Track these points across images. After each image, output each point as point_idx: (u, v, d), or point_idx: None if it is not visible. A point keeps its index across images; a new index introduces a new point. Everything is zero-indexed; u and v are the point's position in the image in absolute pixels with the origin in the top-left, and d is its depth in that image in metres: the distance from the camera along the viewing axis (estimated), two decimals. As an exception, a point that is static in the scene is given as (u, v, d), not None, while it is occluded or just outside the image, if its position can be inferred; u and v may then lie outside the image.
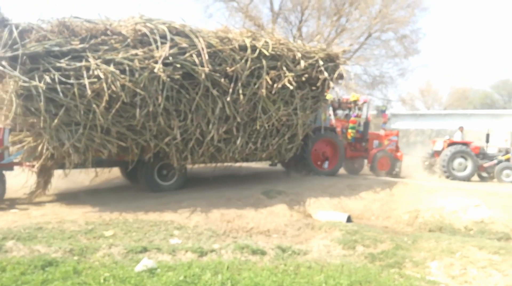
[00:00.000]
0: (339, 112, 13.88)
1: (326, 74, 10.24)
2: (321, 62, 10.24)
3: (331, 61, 10.63)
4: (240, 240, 6.42)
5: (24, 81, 7.07)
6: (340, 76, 10.97)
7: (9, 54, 7.18)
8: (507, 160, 13.88)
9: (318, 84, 10.34)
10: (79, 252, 4.99)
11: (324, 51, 10.65)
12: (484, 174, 14.27)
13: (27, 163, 8.08)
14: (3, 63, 7.12)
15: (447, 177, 13.49)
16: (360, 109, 13.74)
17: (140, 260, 4.76)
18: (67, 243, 5.31)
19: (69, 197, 8.69)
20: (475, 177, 14.29)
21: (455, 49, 76.43)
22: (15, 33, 7.28)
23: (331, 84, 10.75)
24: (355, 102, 13.51)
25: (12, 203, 8.10)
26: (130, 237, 5.90)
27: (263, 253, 5.69)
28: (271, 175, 11.33)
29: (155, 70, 7.90)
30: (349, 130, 13.29)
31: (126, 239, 5.76)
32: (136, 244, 5.40)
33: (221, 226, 7.11)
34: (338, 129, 13.00)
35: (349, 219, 8.30)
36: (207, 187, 9.62)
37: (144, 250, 5.25)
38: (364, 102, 13.88)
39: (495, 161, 13.98)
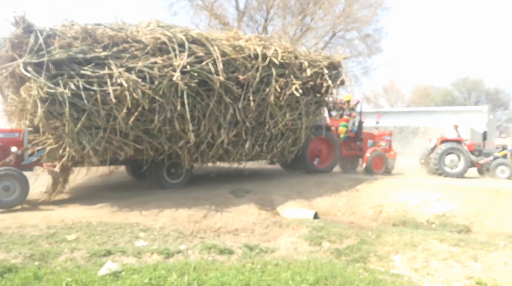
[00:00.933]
0: (333, 112, 14.20)
1: (330, 81, 10.79)
2: (325, 70, 10.81)
3: (334, 68, 11.21)
4: (207, 240, 6.40)
5: (50, 87, 7.29)
6: (342, 83, 11.57)
7: (34, 60, 7.36)
8: (504, 156, 14.09)
9: (322, 91, 10.91)
10: (40, 257, 4.84)
11: (328, 59, 11.20)
12: (481, 171, 14.41)
13: (47, 164, 8.29)
14: (29, 69, 7.28)
15: (440, 174, 13.64)
16: (353, 109, 13.91)
17: (103, 263, 4.66)
18: (27, 248, 5.15)
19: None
20: (475, 174, 14.49)
21: (416, 47, 78.84)
22: (41, 40, 7.49)
23: (334, 91, 11.34)
24: (348, 102, 13.73)
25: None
26: (93, 240, 5.76)
27: (230, 252, 5.68)
28: (239, 174, 11.32)
29: (174, 79, 8.24)
30: (340, 128, 13.43)
31: (89, 243, 5.63)
32: (99, 248, 5.29)
33: (188, 226, 7.04)
34: (333, 129, 13.22)
35: (316, 216, 8.41)
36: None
37: (108, 253, 5.14)
38: (357, 103, 14.17)
39: (491, 158, 14.17)
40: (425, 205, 8.65)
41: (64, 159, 7.75)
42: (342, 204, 9.53)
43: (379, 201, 9.22)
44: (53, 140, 7.85)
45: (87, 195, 9.20)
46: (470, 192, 9.25)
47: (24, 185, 7.78)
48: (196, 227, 7.12)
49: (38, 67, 7.38)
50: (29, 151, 8.19)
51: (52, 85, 7.34)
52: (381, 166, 13.60)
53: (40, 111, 7.29)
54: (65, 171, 8.52)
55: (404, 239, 6.48)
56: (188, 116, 8.50)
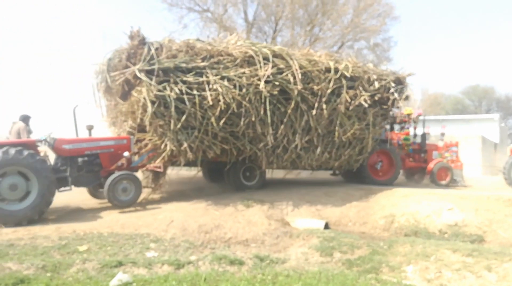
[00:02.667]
0: (396, 126, 14.44)
1: (396, 95, 11.50)
2: (392, 84, 11.50)
3: (400, 83, 11.85)
4: (218, 251, 6.40)
5: (158, 91, 8.66)
6: (406, 97, 12.20)
7: (147, 67, 8.74)
8: None
9: (389, 103, 11.58)
10: (52, 268, 4.88)
11: (394, 74, 11.90)
12: None
13: (152, 165, 9.49)
14: (142, 74, 8.64)
15: (509, 184, 13.40)
16: (415, 122, 14.21)
17: (115, 274, 4.69)
18: (39, 259, 5.18)
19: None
20: None
21: (426, 56, 78.50)
22: (152, 51, 8.89)
23: (400, 104, 11.99)
24: (409, 115, 13.97)
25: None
26: (105, 251, 5.78)
27: (241, 263, 5.67)
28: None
29: (260, 87, 9.41)
30: (403, 142, 13.94)
31: (100, 254, 5.65)
32: (111, 259, 5.31)
33: (198, 237, 7.04)
34: (394, 142, 13.54)
35: (326, 226, 8.37)
36: (184, 198, 9.54)
37: (119, 264, 5.16)
38: (419, 115, 14.35)
39: None
40: (437, 215, 8.54)
41: (165, 154, 8.92)
42: (353, 214, 9.46)
43: (390, 211, 9.13)
44: (157, 137, 9.08)
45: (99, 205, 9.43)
46: (482, 201, 9.11)
47: (138, 186, 8.78)
48: (207, 238, 7.11)
49: (149, 73, 8.73)
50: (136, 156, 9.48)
51: (160, 89, 8.69)
52: (445, 177, 13.60)
53: (149, 111, 8.56)
54: (163, 171, 9.70)
55: (416, 250, 6.41)
56: (269, 120, 9.64)
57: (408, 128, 14.32)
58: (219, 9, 22.57)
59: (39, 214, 7.57)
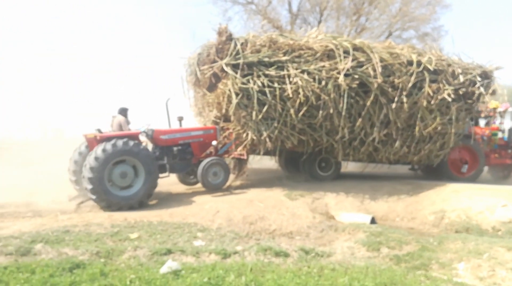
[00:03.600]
0: (481, 120, 13.89)
1: (482, 89, 11.12)
2: (478, 78, 11.18)
3: (487, 77, 11.47)
4: (263, 242, 6.42)
5: (243, 83, 9.28)
6: (494, 92, 11.66)
7: (233, 61, 9.40)
8: None
9: (474, 98, 11.20)
10: (106, 255, 5.09)
11: (480, 67, 11.51)
12: None
13: (236, 153, 10.29)
14: (228, 68, 9.32)
15: None
16: (502, 116, 13.60)
17: (164, 262, 4.82)
18: (93, 245, 5.42)
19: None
20: None
21: (479, 45, 74.58)
22: (238, 46, 9.52)
23: (486, 99, 11.49)
24: (494, 109, 13.45)
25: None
26: (154, 239, 5.96)
27: (286, 255, 5.68)
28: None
29: (339, 80, 9.61)
30: (492, 137, 13.23)
31: (151, 242, 5.83)
32: (160, 246, 5.46)
33: (243, 228, 7.11)
34: (478, 137, 12.97)
35: (373, 221, 8.22)
36: (228, 190, 9.68)
37: (169, 252, 5.31)
38: (506, 109, 13.69)
39: None
40: (490, 211, 8.15)
41: (246, 142, 9.67)
42: (401, 209, 9.23)
43: (440, 206, 8.82)
44: (239, 126, 9.77)
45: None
46: (540, 198, 8.61)
47: (227, 170, 9.78)
48: (251, 229, 7.18)
49: (234, 67, 9.39)
50: (220, 145, 10.33)
51: (244, 81, 9.28)
52: None
53: (233, 102, 9.24)
54: (245, 159, 10.55)
55: (468, 247, 6.17)
56: (346, 113, 9.83)
57: (494, 122, 13.54)
58: (263, 1, 22.46)
59: (147, 198, 8.44)
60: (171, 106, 10.17)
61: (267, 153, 10.89)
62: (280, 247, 6.04)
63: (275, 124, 9.51)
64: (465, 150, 12.29)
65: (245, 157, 10.36)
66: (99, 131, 8.73)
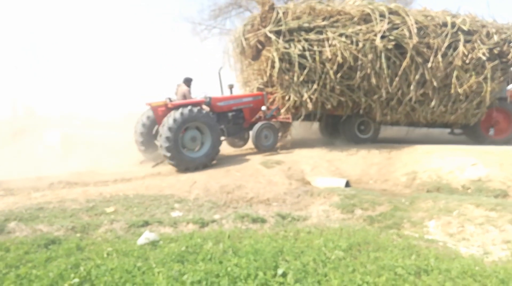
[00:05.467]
0: None
1: None
2: None
3: None
4: (240, 210, 6.50)
5: (285, 48, 10.10)
6: None
7: (275, 28, 10.24)
8: None
9: (509, 57, 11.50)
10: (81, 229, 5.07)
11: None
12: None
13: (281, 117, 11.04)
14: (272, 34, 10.19)
15: None
16: None
17: (142, 234, 4.83)
18: (68, 221, 5.38)
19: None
20: None
21: None
22: (280, 14, 10.35)
23: None
24: None
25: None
26: (131, 212, 5.96)
27: (263, 221, 5.77)
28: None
29: (375, 42, 10.24)
30: None
31: (127, 215, 5.82)
32: (137, 219, 5.47)
33: (221, 197, 7.16)
34: None
35: (347, 184, 8.39)
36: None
37: (146, 224, 5.32)
38: None
39: None
40: (460, 171, 8.43)
41: (288, 104, 10.46)
42: (374, 171, 9.43)
43: (412, 167, 9.06)
44: (282, 90, 10.50)
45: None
46: (507, 156, 8.90)
47: (276, 133, 10.66)
48: (229, 198, 7.23)
49: (277, 34, 10.21)
50: (268, 110, 11.02)
51: (286, 46, 10.11)
52: None
53: (276, 67, 10.10)
54: (286, 125, 11.33)
55: (438, 205, 6.38)
56: (384, 73, 10.42)
57: None
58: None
59: (211, 161, 9.32)
60: (223, 76, 11.13)
61: (307, 118, 11.41)
62: (258, 213, 6.13)
63: (315, 86, 10.28)
64: (500, 112, 12.37)
65: (290, 120, 11.02)
66: (170, 99, 9.58)
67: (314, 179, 8.76)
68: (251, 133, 10.50)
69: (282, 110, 10.72)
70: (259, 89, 11.55)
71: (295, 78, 10.18)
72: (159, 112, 9.48)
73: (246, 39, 11.20)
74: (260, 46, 10.89)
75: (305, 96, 10.28)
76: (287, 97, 10.47)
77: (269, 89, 11.12)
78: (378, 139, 12.39)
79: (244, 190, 7.61)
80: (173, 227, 5.29)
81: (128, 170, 9.26)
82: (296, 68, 10.13)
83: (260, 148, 10.33)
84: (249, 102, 11.02)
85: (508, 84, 12.47)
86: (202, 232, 5.10)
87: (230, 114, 10.66)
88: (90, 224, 5.26)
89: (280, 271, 3.77)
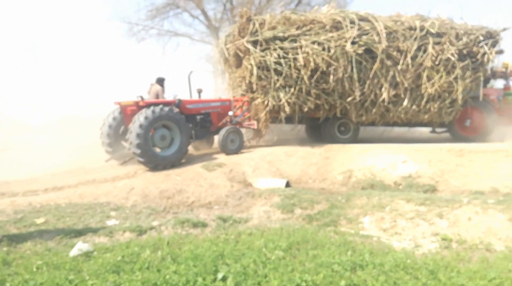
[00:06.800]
0: (496, 81, 14.18)
1: (486, 48, 12.00)
2: (481, 38, 12.09)
3: (491, 37, 12.28)
4: (181, 215, 6.40)
5: (261, 56, 10.84)
6: (500, 51, 12.53)
7: (252, 39, 11.03)
8: None
9: (478, 56, 12.03)
10: (8, 243, 4.72)
11: (484, 28, 12.33)
12: None
13: (246, 124, 11.66)
14: (249, 44, 10.96)
15: None
16: None
17: (74, 245, 4.60)
18: (-7, 235, 5.00)
19: None
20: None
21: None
22: (257, 25, 11.12)
23: (490, 57, 12.16)
24: (506, 69, 13.62)
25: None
26: (63, 222, 5.65)
27: (204, 225, 5.71)
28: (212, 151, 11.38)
29: (346, 48, 10.98)
30: (506, 97, 13.42)
31: (59, 225, 5.52)
32: (70, 229, 5.20)
33: (160, 203, 7.01)
34: (494, 97, 13.32)
35: (287, 184, 8.55)
36: (142, 167, 9.42)
37: (79, 234, 5.07)
38: None
39: None
40: (392, 168, 8.87)
41: (267, 109, 11.11)
42: (313, 171, 9.67)
43: (348, 166, 9.40)
44: (262, 95, 11.14)
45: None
46: (435, 152, 9.51)
47: (242, 138, 10.92)
48: (169, 203, 7.11)
49: (254, 43, 10.99)
50: (234, 115, 11.43)
51: (263, 55, 10.84)
52: None
53: (254, 74, 10.80)
54: (264, 125, 11.57)
55: (372, 201, 6.67)
56: (355, 77, 11.13)
57: (508, 83, 13.78)
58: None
59: (180, 160, 9.46)
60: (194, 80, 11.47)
61: (289, 121, 11.95)
62: (199, 218, 6.07)
63: (292, 91, 10.95)
64: (473, 111, 12.79)
65: (255, 127, 11.53)
66: (142, 98, 9.44)
67: (256, 180, 8.83)
68: (217, 137, 10.77)
69: (262, 114, 11.17)
70: (242, 95, 11.96)
71: (272, 84, 10.85)
72: (128, 112, 9.49)
73: (227, 49, 11.92)
74: (241, 55, 11.43)
75: (283, 100, 10.92)
76: (265, 102, 11.11)
77: (251, 95, 11.56)
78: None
79: (185, 195, 7.51)
80: (109, 236, 5.08)
81: (60, 178, 8.79)
82: (273, 74, 10.80)
83: (227, 152, 10.52)
84: (217, 107, 11.33)
85: (482, 84, 13.09)
86: (139, 240, 4.95)
87: (198, 117, 10.90)
88: (18, 236, 4.93)
89: (220, 275, 3.75)
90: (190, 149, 10.94)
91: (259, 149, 10.95)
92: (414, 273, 4.01)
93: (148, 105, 9.14)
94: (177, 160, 9.35)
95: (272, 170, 9.50)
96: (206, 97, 11.77)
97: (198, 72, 13.20)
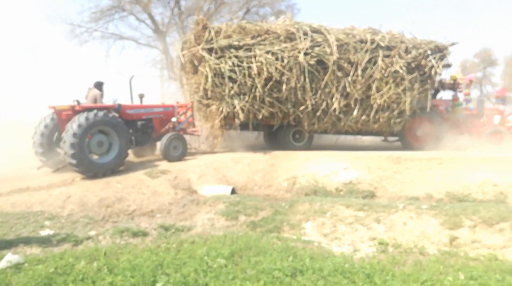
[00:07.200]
0: (447, 92, 14.77)
1: (433, 61, 12.58)
2: (429, 52, 12.64)
3: (439, 51, 12.89)
4: (120, 224, 6.20)
5: (216, 64, 11.03)
6: (447, 65, 13.26)
7: (208, 46, 11.21)
8: None
9: (426, 69, 12.63)
10: None
11: (433, 43, 12.94)
12: None
13: (190, 130, 11.50)
14: (204, 52, 11.12)
15: None
16: (468, 87, 14.49)
17: (3, 256, 4.31)
18: None
19: None
20: None
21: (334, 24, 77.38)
22: (212, 33, 11.34)
23: (438, 70, 12.79)
24: (454, 81, 14.28)
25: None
26: (-8, 233, 5.29)
27: (144, 234, 5.58)
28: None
29: (299, 59, 11.34)
30: (455, 108, 14.10)
31: (-14, 236, 5.16)
32: (-1, 240, 4.88)
33: (99, 212, 6.75)
34: (443, 108, 14.02)
35: (233, 191, 8.53)
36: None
37: (9, 245, 4.79)
38: (470, 81, 14.60)
39: None
40: (334, 174, 9.12)
41: (222, 116, 11.29)
42: (259, 178, 9.71)
43: (293, 173, 9.54)
44: (217, 102, 11.30)
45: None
46: (375, 160, 9.89)
47: (185, 144, 10.63)
48: (108, 212, 6.86)
49: (209, 51, 11.19)
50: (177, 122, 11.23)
51: (218, 62, 11.03)
52: (499, 141, 13.83)
53: (209, 81, 10.99)
54: (219, 131, 11.71)
55: (314, 207, 6.81)
56: (307, 87, 11.53)
57: (456, 94, 14.51)
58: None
59: (119, 166, 9.14)
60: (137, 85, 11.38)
61: (245, 128, 12.28)
62: (139, 227, 5.92)
63: (246, 98, 11.20)
64: (424, 121, 13.32)
65: (199, 134, 11.61)
66: (78, 102, 9.04)
67: (201, 187, 8.74)
68: (159, 143, 10.52)
69: (217, 121, 11.32)
70: (199, 101, 12.02)
71: (227, 91, 11.07)
72: (63, 116, 8.97)
73: (183, 55, 11.98)
74: (196, 65, 11.58)
75: (237, 107, 11.16)
76: (220, 109, 11.27)
77: (206, 101, 11.70)
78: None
79: (125, 203, 7.28)
80: (42, 247, 4.82)
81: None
82: (227, 82, 11.03)
83: (169, 159, 10.23)
84: (159, 113, 11.08)
85: (432, 95, 13.86)
86: (74, 250, 4.72)
87: (139, 122, 10.51)
88: None
89: None
90: (131, 156, 10.74)
91: (205, 156, 10.87)
92: (352, 277, 4.13)
93: (82, 111, 8.75)
94: (116, 166, 9.02)
95: (218, 177, 9.45)
96: (149, 103, 11.54)
97: (144, 76, 13.08)
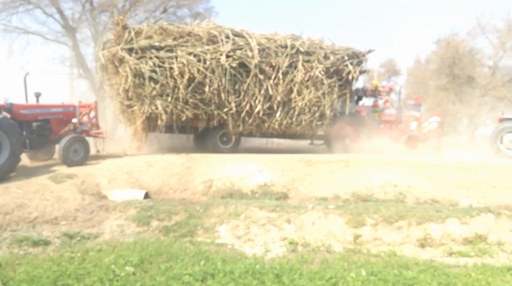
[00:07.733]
0: (369, 99, 15.57)
1: (350, 67, 13.27)
2: (346, 57, 13.31)
3: (356, 57, 13.56)
4: (19, 232, 5.73)
5: (136, 64, 10.98)
6: (363, 71, 13.90)
7: (128, 46, 11.15)
8: None
9: (343, 74, 13.31)
10: None
11: (350, 49, 13.56)
12: None
13: (93, 132, 10.94)
14: (123, 52, 11.02)
15: (496, 153, 13.31)
16: (388, 94, 15.39)
17: None
18: None
19: None
20: None
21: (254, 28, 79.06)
22: (132, 34, 11.27)
23: (354, 76, 13.42)
24: (376, 89, 15.06)
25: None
26: None
27: (46, 243, 5.22)
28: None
29: (221, 61, 11.60)
30: (372, 114, 14.98)
31: None
32: None
33: (-5, 220, 6.17)
34: (364, 114, 14.89)
35: (146, 196, 8.28)
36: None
37: None
38: (391, 89, 15.61)
39: None
40: (250, 177, 9.25)
41: (144, 117, 11.25)
42: (174, 181, 9.53)
43: (209, 176, 9.50)
44: (139, 103, 11.25)
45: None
46: (288, 162, 10.20)
47: (87, 148, 10.03)
48: (6, 219, 6.28)
49: (129, 51, 11.14)
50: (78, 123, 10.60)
51: (138, 62, 11.02)
52: (414, 146, 14.45)
53: (129, 81, 10.94)
54: (143, 133, 11.64)
55: (229, 210, 6.85)
56: (230, 89, 11.82)
57: (376, 101, 15.24)
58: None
59: (9, 172, 8.25)
60: (33, 83, 10.38)
61: (169, 130, 12.29)
62: (40, 235, 5.53)
63: (169, 99, 11.24)
64: (348, 125, 14.05)
65: (103, 136, 11.06)
66: None
67: (111, 192, 8.37)
68: (57, 146, 9.73)
69: (138, 122, 11.19)
70: (120, 102, 11.79)
71: (148, 92, 11.06)
72: None
73: (103, 55, 11.69)
74: (117, 65, 11.36)
75: (160, 108, 11.15)
76: (142, 109, 11.19)
77: (127, 103, 11.52)
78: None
79: (26, 210, 6.72)
80: None
81: None
82: (148, 82, 11.02)
83: (68, 163, 9.53)
84: (58, 113, 10.31)
85: (355, 101, 15.00)
86: (-38, 264, 4.27)
87: (34, 124, 9.69)
88: None
89: (58, 298, 3.44)
90: (25, 160, 9.99)
91: (117, 159, 10.43)
92: (262, 278, 4.22)
93: None
94: (7, 172, 8.17)
95: (130, 181, 9.12)
96: (48, 102, 10.64)
97: (51, 74, 12.37)
